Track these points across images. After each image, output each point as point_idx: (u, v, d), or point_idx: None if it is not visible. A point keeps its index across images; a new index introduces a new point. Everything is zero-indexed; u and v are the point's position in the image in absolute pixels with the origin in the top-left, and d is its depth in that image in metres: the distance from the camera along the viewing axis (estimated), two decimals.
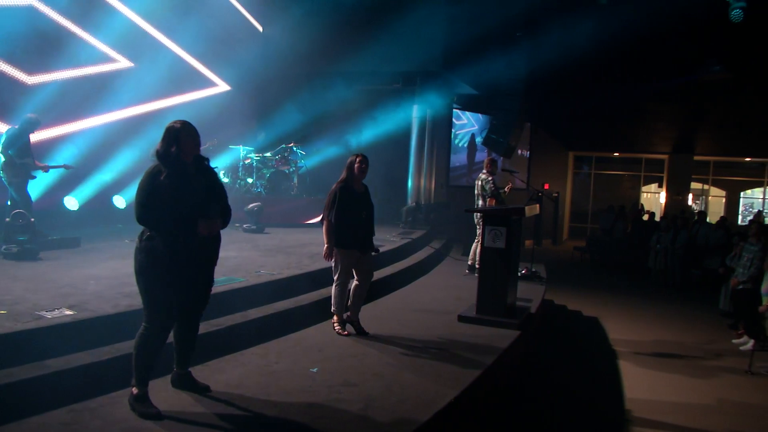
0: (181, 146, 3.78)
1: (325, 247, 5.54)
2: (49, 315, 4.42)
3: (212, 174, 4.03)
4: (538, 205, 7.61)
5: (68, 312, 4.54)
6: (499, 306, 6.23)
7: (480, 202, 8.94)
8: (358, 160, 5.63)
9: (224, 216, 3.98)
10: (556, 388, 7.09)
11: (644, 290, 13.73)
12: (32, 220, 7.26)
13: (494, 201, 8.70)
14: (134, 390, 3.69)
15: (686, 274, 14.12)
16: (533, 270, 9.22)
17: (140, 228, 3.75)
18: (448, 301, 7.38)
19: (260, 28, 14.60)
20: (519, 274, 8.29)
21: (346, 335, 5.60)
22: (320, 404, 3.94)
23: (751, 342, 8.47)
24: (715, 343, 9.28)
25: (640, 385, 7.21)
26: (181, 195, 3.69)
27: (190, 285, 3.84)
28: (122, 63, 10.67)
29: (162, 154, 3.77)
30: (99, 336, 4.33)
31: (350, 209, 5.54)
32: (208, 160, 4.03)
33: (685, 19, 11.97)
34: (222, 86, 13.50)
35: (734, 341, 9.22)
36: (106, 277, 5.97)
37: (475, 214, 8.67)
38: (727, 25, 10.62)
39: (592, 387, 7.24)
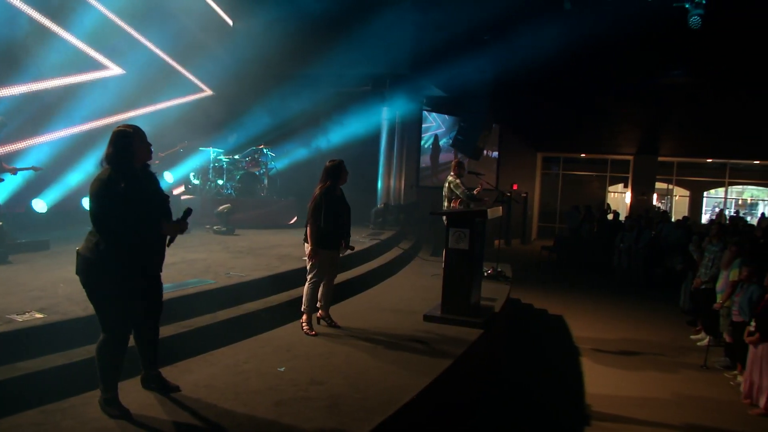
0: (134, 152, 3.71)
1: (309, 249, 5.86)
2: (19, 318, 4.46)
3: (155, 180, 3.98)
4: (501, 207, 7.78)
5: (39, 315, 4.57)
6: (464, 305, 6.39)
7: (445, 204, 9.02)
8: (344, 166, 6.00)
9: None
10: (517, 385, 7.30)
11: (609, 289, 14.04)
12: (0, 223, 7.23)
13: (458, 203, 8.79)
14: (103, 395, 3.73)
15: (649, 273, 14.48)
16: (499, 270, 9.38)
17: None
18: (415, 301, 7.52)
19: (230, 23, 14.51)
20: (485, 274, 8.48)
21: (314, 335, 5.74)
22: (287, 402, 4.05)
23: (708, 338, 8.78)
24: (674, 339, 9.58)
25: (601, 380, 7.46)
26: (138, 203, 3.63)
27: (144, 294, 3.85)
28: (95, 67, 10.61)
29: (114, 160, 3.65)
30: (70, 338, 4.37)
31: (334, 212, 5.85)
32: (149, 165, 3.95)
33: (647, 25, 12.26)
34: (193, 89, 13.47)
35: (692, 337, 9.54)
36: (75, 280, 5.88)
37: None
38: (687, 32, 10.89)
39: (554, 383, 7.47)
